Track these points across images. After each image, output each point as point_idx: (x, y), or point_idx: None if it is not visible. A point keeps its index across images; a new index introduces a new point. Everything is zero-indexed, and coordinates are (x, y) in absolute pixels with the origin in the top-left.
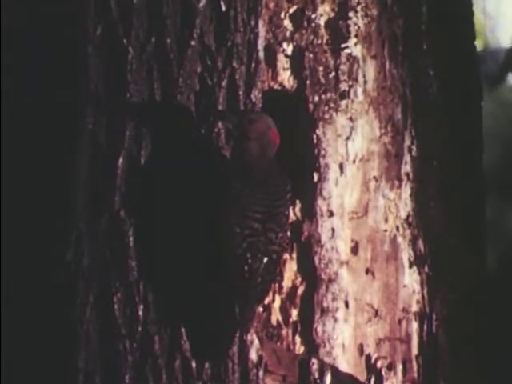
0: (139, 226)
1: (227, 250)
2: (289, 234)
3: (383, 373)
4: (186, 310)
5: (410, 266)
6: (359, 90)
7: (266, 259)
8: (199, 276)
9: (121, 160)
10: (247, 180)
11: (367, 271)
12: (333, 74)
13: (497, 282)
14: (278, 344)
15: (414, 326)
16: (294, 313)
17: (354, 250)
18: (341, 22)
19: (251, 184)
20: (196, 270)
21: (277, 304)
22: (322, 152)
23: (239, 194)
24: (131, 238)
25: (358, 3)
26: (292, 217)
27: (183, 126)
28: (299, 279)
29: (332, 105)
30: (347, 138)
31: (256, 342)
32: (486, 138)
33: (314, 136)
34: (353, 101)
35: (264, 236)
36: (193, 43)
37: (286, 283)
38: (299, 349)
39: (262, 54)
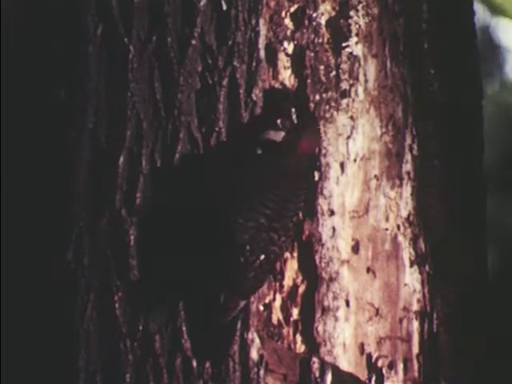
0: (140, 225)
1: (227, 239)
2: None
3: (384, 372)
4: (186, 306)
5: (411, 265)
6: (360, 89)
7: (263, 257)
8: (199, 273)
9: (121, 159)
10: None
11: (368, 270)
12: (334, 72)
13: (498, 281)
14: (279, 343)
15: (415, 324)
16: (295, 312)
17: (355, 248)
18: (342, 20)
19: (270, 180)
20: (197, 267)
21: (277, 303)
22: (323, 151)
23: (252, 186)
24: (132, 237)
25: (359, 2)
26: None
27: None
28: (300, 278)
29: (333, 104)
30: (348, 137)
31: (257, 341)
32: (485, 138)
33: None
34: (354, 100)
35: (266, 233)
36: (194, 42)
37: (287, 282)
38: (300, 348)
39: (262, 53)
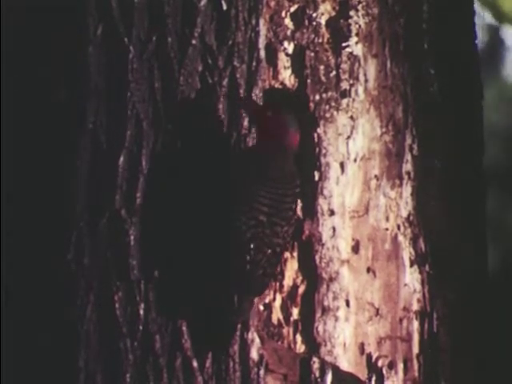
0: (140, 225)
1: (230, 239)
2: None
3: (384, 372)
4: (188, 306)
5: (411, 265)
6: (360, 89)
7: (269, 251)
8: (201, 272)
9: (121, 159)
10: (260, 173)
11: (368, 270)
12: (334, 72)
13: (499, 281)
14: (279, 343)
15: (415, 324)
16: (295, 312)
17: (355, 248)
18: (342, 20)
19: (263, 177)
20: (198, 265)
21: (278, 303)
22: (323, 151)
23: (248, 184)
24: (132, 237)
25: (359, 2)
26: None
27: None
28: (300, 278)
29: (333, 104)
30: (348, 137)
31: (257, 340)
32: (489, 134)
33: (315, 135)
34: (354, 100)
35: (269, 229)
36: (194, 42)
37: (287, 282)
38: (300, 348)
39: (262, 53)
